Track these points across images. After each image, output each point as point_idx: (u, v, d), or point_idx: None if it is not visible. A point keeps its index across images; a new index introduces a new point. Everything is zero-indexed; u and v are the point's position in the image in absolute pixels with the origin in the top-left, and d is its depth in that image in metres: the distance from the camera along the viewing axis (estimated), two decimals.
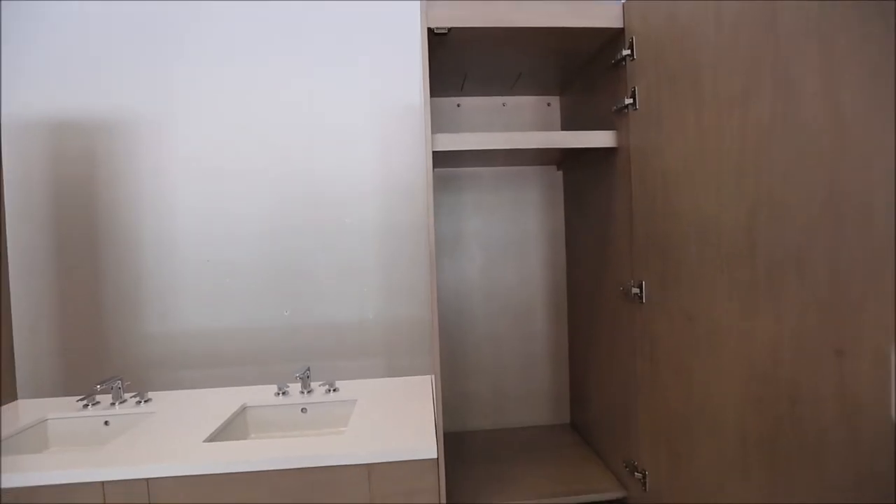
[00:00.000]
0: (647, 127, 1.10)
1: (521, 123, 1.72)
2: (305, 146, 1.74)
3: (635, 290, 1.16)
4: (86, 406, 1.50)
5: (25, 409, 1.51)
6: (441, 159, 1.30)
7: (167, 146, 1.72)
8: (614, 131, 1.25)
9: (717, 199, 0.87)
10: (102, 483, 1.08)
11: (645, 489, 1.15)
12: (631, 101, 1.15)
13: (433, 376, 1.32)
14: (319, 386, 1.60)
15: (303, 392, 1.53)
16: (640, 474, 1.17)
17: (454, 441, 1.58)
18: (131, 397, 1.56)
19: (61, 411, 1.49)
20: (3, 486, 1.07)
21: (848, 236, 0.62)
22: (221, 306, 1.76)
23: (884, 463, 0.61)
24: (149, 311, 1.74)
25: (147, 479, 1.09)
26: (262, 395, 1.55)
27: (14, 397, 1.64)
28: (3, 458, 1.17)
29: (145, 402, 1.53)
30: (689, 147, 0.95)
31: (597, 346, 1.43)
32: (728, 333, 0.87)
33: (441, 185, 1.71)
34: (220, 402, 1.48)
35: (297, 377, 1.51)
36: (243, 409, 1.47)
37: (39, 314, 1.71)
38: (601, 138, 1.25)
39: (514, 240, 1.72)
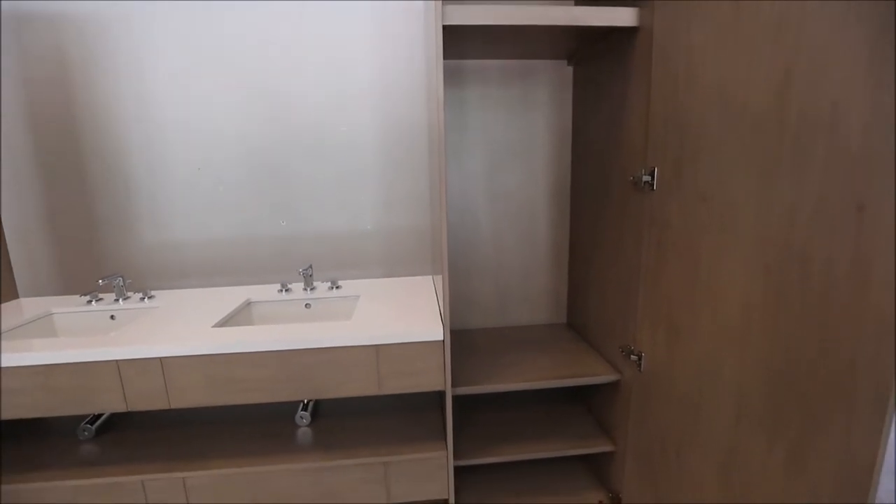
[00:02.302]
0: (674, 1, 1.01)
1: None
2: (297, 44, 1.59)
3: (646, 178, 1.13)
4: (90, 302, 1.51)
5: (28, 306, 1.52)
6: (447, 45, 1.20)
7: (146, 46, 1.56)
8: (636, 8, 1.16)
9: (749, 64, 0.82)
10: (117, 362, 1.11)
11: (640, 369, 1.21)
12: None
13: (436, 276, 1.33)
14: (322, 283, 1.61)
15: (306, 289, 1.55)
16: (635, 356, 1.22)
17: (458, 337, 1.64)
18: (134, 294, 1.56)
19: (66, 307, 1.50)
20: (19, 363, 1.09)
21: (888, 87, 0.58)
22: (216, 216, 1.71)
23: (889, 317, 0.63)
24: (142, 221, 1.69)
25: (161, 358, 1.12)
26: (265, 292, 1.56)
27: (15, 296, 1.64)
28: (13, 343, 1.18)
29: (149, 298, 1.54)
30: (722, 15, 0.88)
31: (600, 243, 1.44)
32: (743, 207, 0.86)
33: (445, 82, 1.60)
34: (224, 298, 1.49)
35: (299, 272, 1.51)
36: (248, 304, 1.49)
37: (29, 228, 1.66)
38: (623, 15, 1.16)
39: (520, 140, 1.66)
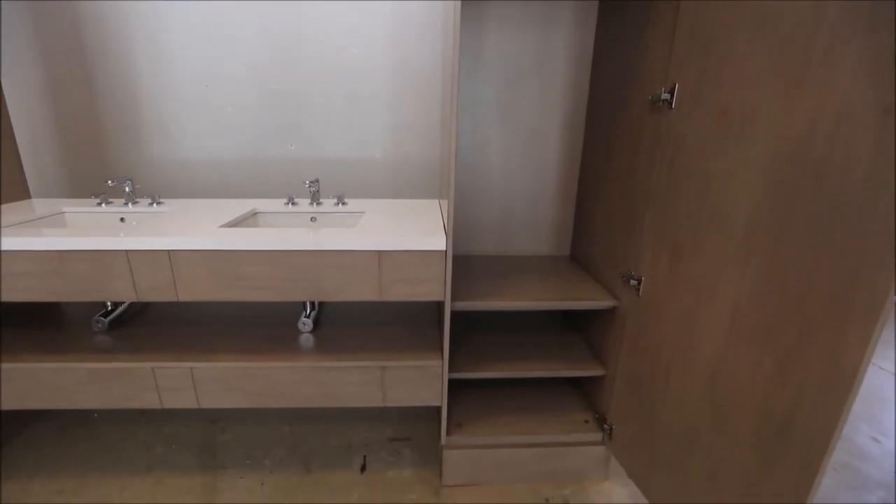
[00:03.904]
0: None
1: None
2: None
3: (665, 97, 1.09)
4: (100, 204, 1.52)
5: (40, 206, 1.54)
6: None
7: None
8: None
9: None
10: (127, 252, 1.14)
11: (638, 293, 1.23)
12: None
13: (442, 200, 1.32)
14: (328, 200, 1.61)
15: (312, 203, 1.55)
16: (635, 281, 1.23)
17: (459, 262, 1.65)
18: (144, 199, 1.57)
19: (77, 207, 1.52)
20: (33, 247, 1.12)
21: None
22: (225, 135, 1.69)
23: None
24: (151, 136, 1.68)
25: (168, 251, 1.14)
26: (272, 205, 1.57)
27: (27, 196, 1.67)
28: (26, 231, 1.21)
29: (158, 204, 1.55)
30: None
31: (611, 169, 1.41)
32: (763, 120, 0.83)
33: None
34: (232, 207, 1.50)
35: (306, 184, 1.50)
36: (254, 214, 1.50)
37: (39, 136, 1.65)
38: None
39: (537, 61, 1.58)
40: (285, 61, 1.62)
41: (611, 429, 1.38)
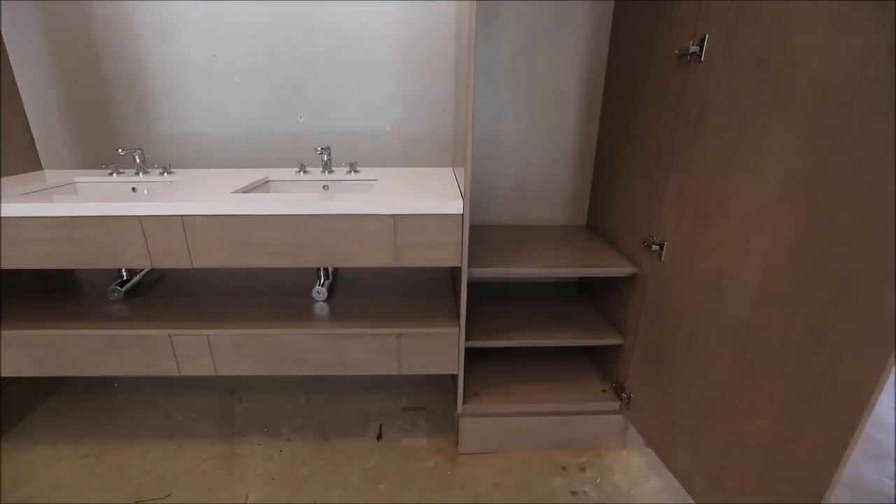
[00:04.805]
0: None
1: None
2: None
3: (693, 49, 1.03)
4: (111, 174, 1.51)
5: (52, 176, 1.53)
6: None
7: None
8: None
9: None
10: (140, 218, 1.13)
11: (660, 259, 1.19)
12: None
13: (456, 168, 1.28)
14: (340, 168, 1.58)
15: (323, 171, 1.52)
16: (657, 246, 1.19)
17: (474, 231, 1.62)
18: (154, 169, 1.56)
19: (88, 177, 1.51)
20: (45, 213, 1.12)
21: None
22: (233, 108, 1.66)
23: None
24: (158, 110, 1.65)
25: (182, 216, 1.13)
26: (283, 173, 1.54)
27: (39, 167, 1.66)
28: (38, 198, 1.20)
29: (168, 173, 1.53)
30: None
31: (633, 131, 1.36)
32: (805, 62, 0.78)
33: None
34: (243, 176, 1.48)
35: (317, 151, 1.48)
36: (266, 182, 1.48)
37: (49, 109, 1.63)
38: None
39: (553, 23, 1.51)
40: (293, 31, 1.57)
41: (629, 397, 1.37)
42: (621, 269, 1.33)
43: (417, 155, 1.73)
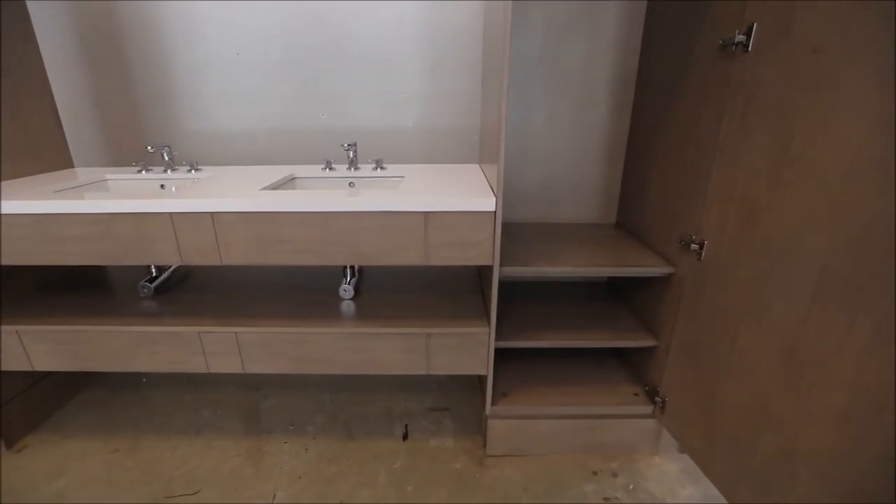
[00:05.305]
0: None
1: None
2: None
3: (740, 39, 0.98)
4: (140, 171, 1.53)
5: (83, 174, 1.55)
6: None
7: None
8: None
9: None
10: (171, 214, 1.13)
11: (699, 258, 1.14)
12: None
13: (483, 164, 1.25)
14: (366, 164, 1.57)
15: (349, 168, 1.51)
16: (696, 245, 1.15)
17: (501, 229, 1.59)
18: (182, 166, 1.57)
19: (118, 174, 1.52)
20: (81, 210, 1.13)
21: None
22: (255, 105, 1.66)
23: None
24: (183, 108, 1.66)
25: (212, 213, 1.12)
26: (309, 170, 1.53)
27: (70, 165, 1.69)
28: (73, 194, 1.21)
29: (196, 170, 1.54)
30: None
31: (668, 126, 1.31)
32: (867, 53, 0.73)
33: None
34: (269, 173, 1.48)
35: (344, 147, 1.46)
36: (292, 179, 1.47)
37: (78, 110, 1.66)
38: None
39: (585, 12, 1.47)
40: (315, 28, 1.56)
41: (663, 402, 1.32)
42: (657, 269, 1.28)
43: (440, 151, 1.70)
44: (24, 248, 1.17)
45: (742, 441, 1.02)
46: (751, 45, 0.97)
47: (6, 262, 1.18)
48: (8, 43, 1.40)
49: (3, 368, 1.33)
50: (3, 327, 1.28)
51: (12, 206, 1.13)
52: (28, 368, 1.33)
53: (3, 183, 1.37)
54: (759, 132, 0.95)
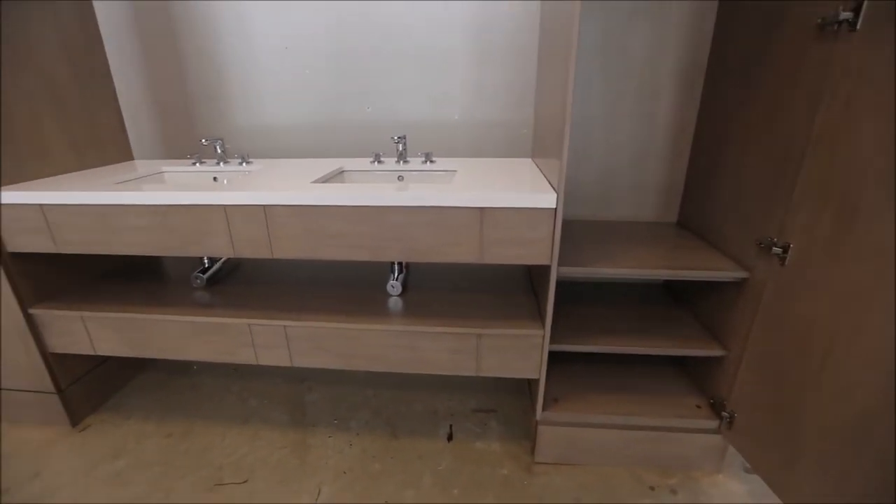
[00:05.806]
0: None
1: None
2: None
3: (845, 16, 0.87)
4: (194, 164, 1.55)
5: (142, 166, 1.60)
6: None
7: None
8: None
9: None
10: (225, 207, 1.13)
11: (783, 264, 1.03)
12: None
13: (537, 159, 1.18)
14: (415, 158, 1.53)
15: (398, 161, 1.48)
16: (779, 248, 1.04)
17: None
18: (234, 159, 1.58)
19: (174, 167, 1.56)
20: (144, 202, 1.15)
21: None
22: (303, 99, 1.66)
23: None
24: (234, 101, 1.69)
25: (264, 206, 1.11)
26: (358, 163, 1.51)
27: (131, 157, 1.74)
28: (134, 186, 1.24)
29: (247, 163, 1.55)
30: None
31: (747, 115, 1.19)
32: None
33: None
34: (318, 166, 1.46)
35: (393, 140, 1.43)
36: (341, 172, 1.45)
37: (138, 105, 1.71)
38: None
39: None
40: (362, 22, 1.54)
41: (731, 417, 1.22)
42: (730, 273, 1.18)
43: (487, 145, 1.65)
44: (87, 238, 1.21)
45: (832, 469, 0.92)
46: (860, 22, 0.85)
47: (71, 250, 1.23)
48: (75, 41, 1.45)
49: (69, 352, 1.40)
50: (70, 313, 1.34)
51: (77, 197, 1.16)
52: (91, 352, 1.39)
53: (70, 175, 1.42)
54: (868, 120, 0.84)
